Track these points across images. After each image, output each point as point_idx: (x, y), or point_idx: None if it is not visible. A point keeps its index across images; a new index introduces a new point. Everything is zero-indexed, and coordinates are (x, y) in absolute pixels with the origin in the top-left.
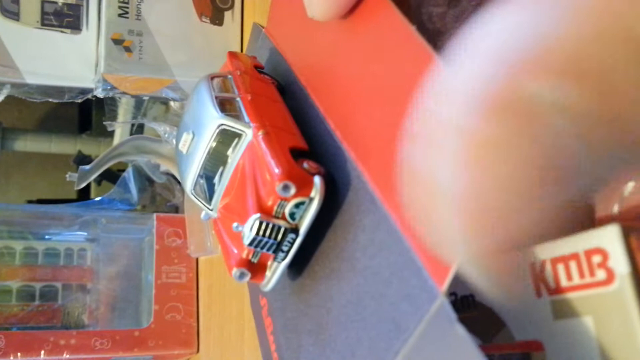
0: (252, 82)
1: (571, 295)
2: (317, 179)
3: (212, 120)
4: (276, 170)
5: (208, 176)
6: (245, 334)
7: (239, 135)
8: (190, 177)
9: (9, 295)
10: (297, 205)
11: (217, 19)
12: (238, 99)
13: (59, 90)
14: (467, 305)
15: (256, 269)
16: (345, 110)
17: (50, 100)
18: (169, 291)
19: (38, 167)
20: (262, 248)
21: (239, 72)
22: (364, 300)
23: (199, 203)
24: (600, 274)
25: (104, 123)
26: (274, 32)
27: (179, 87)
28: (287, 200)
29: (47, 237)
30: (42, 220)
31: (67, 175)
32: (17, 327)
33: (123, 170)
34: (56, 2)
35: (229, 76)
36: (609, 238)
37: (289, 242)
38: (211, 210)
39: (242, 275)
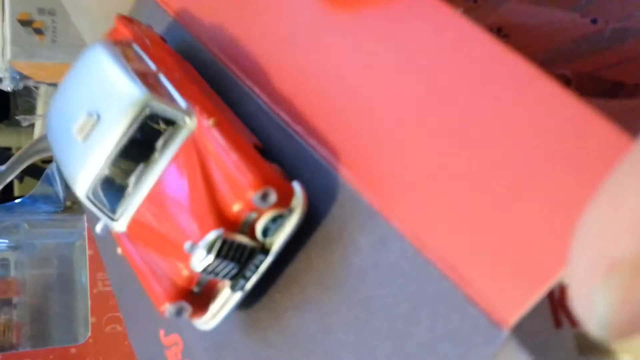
0: (167, 56)
1: None
2: (296, 186)
3: (133, 99)
4: (250, 175)
5: (118, 175)
6: None
7: (173, 123)
8: (87, 174)
9: None
10: (274, 220)
11: None
12: (161, 75)
13: None
14: None
15: (198, 301)
16: (297, 96)
17: None
18: (107, 300)
19: None
20: (216, 275)
21: (147, 40)
22: (371, 341)
23: (95, 210)
24: None
25: (17, 118)
26: None
27: None
28: (261, 212)
29: None
30: None
31: None
32: None
33: (49, 162)
34: None
35: (134, 44)
36: None
37: (255, 265)
38: (115, 220)
39: (179, 312)
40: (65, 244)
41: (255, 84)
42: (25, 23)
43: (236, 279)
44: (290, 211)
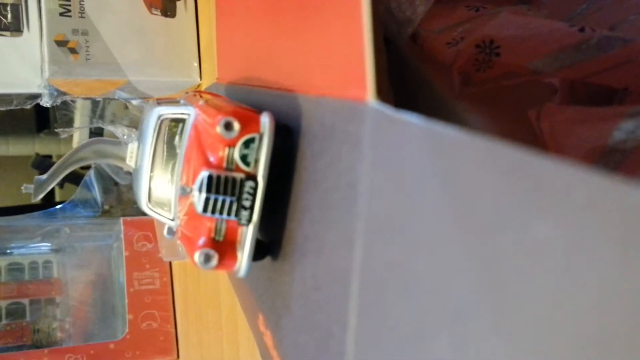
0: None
1: None
2: (264, 115)
3: (152, 115)
4: (217, 116)
5: (160, 179)
6: (224, 336)
7: (183, 121)
8: (143, 188)
9: None
10: (246, 145)
11: (168, 11)
12: (182, 100)
13: (6, 98)
14: None
15: (223, 249)
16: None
17: None
18: (142, 299)
19: None
20: (220, 212)
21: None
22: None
23: (158, 216)
24: None
25: (56, 130)
26: (224, 76)
27: (132, 87)
28: (233, 143)
29: (8, 251)
30: (3, 234)
31: (22, 188)
32: None
33: (87, 169)
34: None
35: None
36: None
37: (248, 193)
38: (172, 219)
39: (207, 258)
40: (103, 246)
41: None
42: (61, 43)
43: (239, 212)
44: (262, 135)
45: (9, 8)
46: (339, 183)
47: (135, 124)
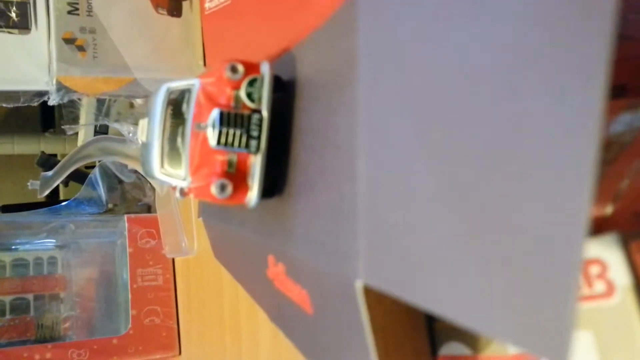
0: None
1: None
2: (263, 62)
3: (161, 90)
4: (224, 64)
5: (170, 144)
6: (226, 333)
7: (188, 90)
8: (155, 157)
9: None
10: (250, 84)
11: (174, 10)
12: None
13: (13, 95)
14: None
15: (236, 180)
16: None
17: (4, 105)
18: (145, 294)
19: (3, 170)
20: (232, 145)
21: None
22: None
23: (170, 180)
24: (600, 286)
25: (63, 127)
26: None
27: (139, 85)
28: (238, 85)
29: (14, 247)
30: (8, 230)
31: (28, 184)
32: None
33: (92, 168)
34: (0, 1)
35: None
36: (608, 248)
37: (255, 124)
38: (183, 180)
39: (222, 188)
40: (107, 242)
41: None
42: (69, 41)
43: (248, 143)
44: (263, 76)
45: (16, 6)
46: (337, 77)
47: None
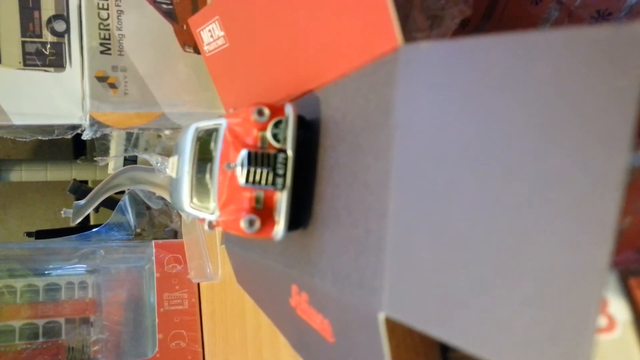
0: None
1: None
2: (287, 105)
3: (190, 129)
4: (250, 107)
5: (199, 180)
6: (249, 355)
7: (216, 130)
8: (185, 192)
9: (12, 335)
10: (276, 125)
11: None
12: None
13: (48, 128)
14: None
15: (264, 215)
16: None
17: (40, 137)
18: (172, 318)
19: (36, 196)
20: (259, 183)
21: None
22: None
23: (199, 213)
24: (601, 321)
25: (95, 159)
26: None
27: (167, 118)
28: (264, 126)
29: (47, 272)
30: (41, 256)
31: (62, 212)
32: None
33: (121, 194)
34: (37, 42)
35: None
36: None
37: (281, 163)
38: (212, 214)
39: (251, 223)
40: (135, 267)
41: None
42: (101, 79)
43: (275, 181)
44: (287, 118)
45: (52, 46)
46: (369, 123)
47: (167, 152)
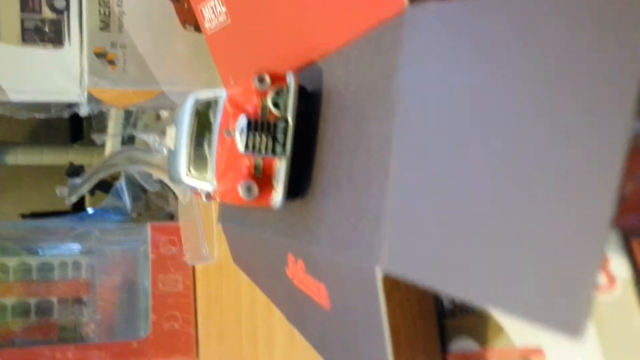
0: None
1: None
2: (288, 73)
3: (189, 100)
4: (252, 75)
5: (197, 151)
6: (243, 339)
7: (215, 100)
8: (182, 163)
9: (4, 312)
10: (277, 93)
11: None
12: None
13: (45, 106)
14: (465, 309)
15: (262, 183)
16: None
17: (37, 115)
18: (166, 300)
19: (31, 180)
20: (259, 150)
21: None
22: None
23: (196, 184)
24: (602, 280)
25: (92, 137)
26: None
27: (166, 97)
28: (265, 93)
29: (40, 252)
30: (35, 235)
31: (57, 191)
32: (13, 344)
33: (117, 179)
34: (36, 18)
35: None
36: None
37: (281, 131)
38: (210, 183)
39: (249, 189)
40: (131, 249)
41: None
42: (100, 55)
43: (274, 148)
44: (288, 86)
45: (51, 23)
46: (373, 89)
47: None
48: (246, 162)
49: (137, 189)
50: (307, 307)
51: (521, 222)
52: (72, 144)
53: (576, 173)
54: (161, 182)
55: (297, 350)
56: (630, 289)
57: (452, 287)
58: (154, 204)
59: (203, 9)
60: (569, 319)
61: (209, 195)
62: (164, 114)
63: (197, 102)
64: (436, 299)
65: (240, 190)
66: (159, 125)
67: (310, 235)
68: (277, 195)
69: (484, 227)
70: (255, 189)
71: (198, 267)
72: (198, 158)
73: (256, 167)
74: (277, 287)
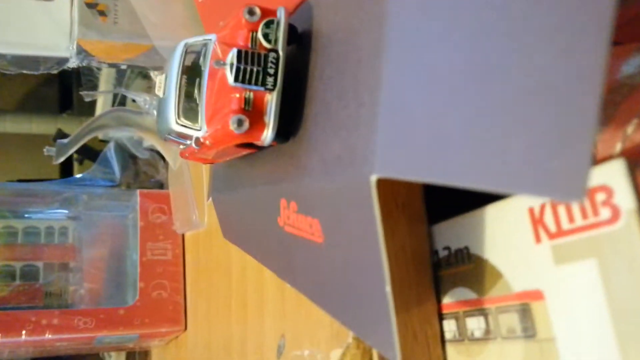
0: None
1: (573, 238)
2: (279, 7)
3: (179, 47)
4: (240, 11)
5: (187, 96)
6: (233, 310)
7: (205, 45)
8: (171, 109)
9: None
10: (267, 25)
11: None
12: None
13: (34, 61)
14: (461, 258)
15: (253, 117)
16: None
17: (25, 72)
18: (154, 268)
19: (20, 148)
20: (249, 82)
21: None
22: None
23: (186, 130)
24: (605, 213)
25: (80, 93)
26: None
27: (157, 52)
28: (256, 27)
29: (27, 215)
30: (22, 198)
31: (44, 150)
32: None
33: (106, 143)
34: None
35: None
36: (614, 173)
37: (272, 63)
38: (199, 130)
39: (240, 122)
40: (119, 216)
41: None
42: (91, 5)
43: (265, 80)
44: (279, 19)
45: None
46: (363, 12)
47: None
48: (236, 95)
49: (126, 157)
50: (299, 250)
51: (512, 89)
52: (62, 113)
53: (568, 28)
54: (151, 149)
55: (288, 313)
56: (634, 218)
57: (448, 177)
58: (144, 172)
59: None
60: (569, 182)
61: (198, 141)
62: (155, 74)
63: (187, 46)
64: (431, 250)
65: (231, 124)
66: (150, 91)
67: (301, 170)
68: (268, 131)
69: (475, 106)
70: (246, 121)
71: (187, 236)
72: (188, 104)
73: (246, 101)
74: (268, 243)
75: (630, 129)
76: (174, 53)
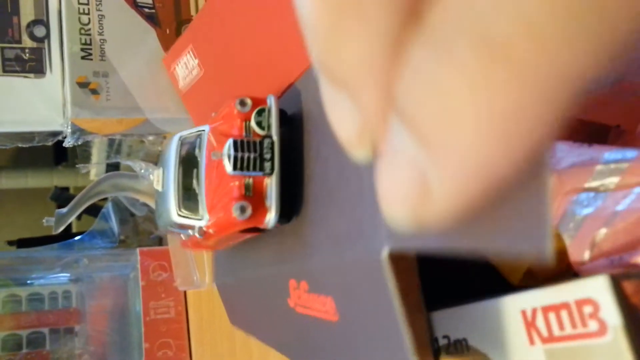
0: None
1: (565, 345)
2: (269, 95)
3: (173, 140)
4: (233, 100)
5: (186, 188)
6: None
7: (199, 136)
8: (172, 202)
9: None
10: (259, 113)
11: None
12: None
13: (28, 135)
14: (460, 349)
15: (254, 203)
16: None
17: (20, 145)
18: (158, 327)
19: (16, 204)
20: (247, 168)
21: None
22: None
23: (189, 221)
24: (593, 325)
25: (77, 166)
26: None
27: (150, 124)
28: (248, 116)
29: (29, 282)
30: (23, 265)
31: (44, 220)
32: None
33: (104, 200)
34: (16, 47)
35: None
36: (599, 288)
37: (268, 148)
38: (201, 219)
39: (242, 209)
40: (120, 276)
41: None
42: (83, 85)
43: (262, 165)
44: (270, 107)
45: (31, 51)
46: None
47: (151, 158)
48: (236, 183)
49: (125, 213)
50: (314, 331)
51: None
52: (57, 166)
53: None
54: (148, 206)
55: None
56: (622, 334)
57: (457, 245)
58: (142, 228)
59: (176, 68)
60: (539, 246)
61: (202, 231)
62: (149, 138)
63: (181, 139)
64: (431, 337)
65: (234, 211)
66: (143, 150)
67: (309, 249)
68: (271, 215)
69: None
70: (249, 207)
71: (189, 292)
72: (187, 195)
73: (247, 187)
74: (279, 327)
75: (598, 238)
76: (169, 146)
